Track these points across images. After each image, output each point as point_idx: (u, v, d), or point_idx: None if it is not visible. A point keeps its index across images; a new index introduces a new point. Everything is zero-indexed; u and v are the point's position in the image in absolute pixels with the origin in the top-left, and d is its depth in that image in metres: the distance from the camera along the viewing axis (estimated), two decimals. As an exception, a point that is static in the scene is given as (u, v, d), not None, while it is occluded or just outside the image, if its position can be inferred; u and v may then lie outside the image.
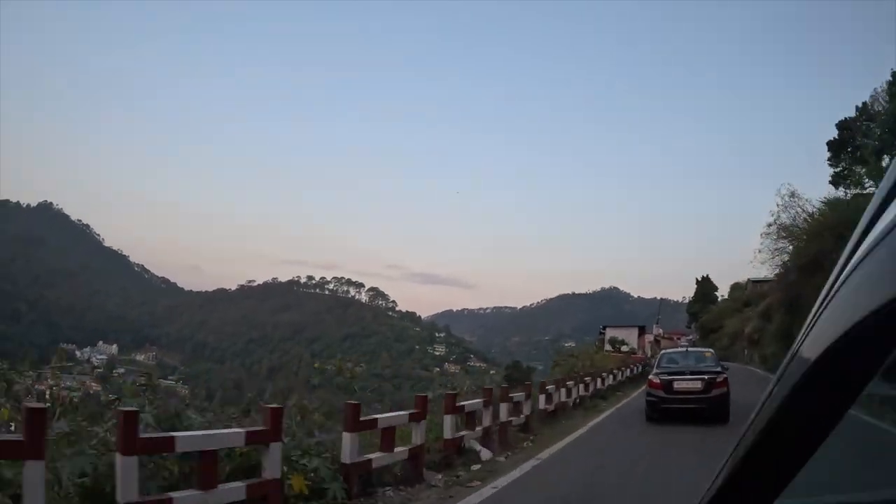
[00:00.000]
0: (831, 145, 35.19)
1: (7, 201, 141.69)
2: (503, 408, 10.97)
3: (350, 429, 6.67)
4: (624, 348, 43.01)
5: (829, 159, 35.34)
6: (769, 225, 30.67)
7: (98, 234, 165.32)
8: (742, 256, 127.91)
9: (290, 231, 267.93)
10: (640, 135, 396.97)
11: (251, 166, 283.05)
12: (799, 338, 0.68)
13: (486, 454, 9.53)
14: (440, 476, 8.04)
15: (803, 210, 29.09)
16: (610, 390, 22.13)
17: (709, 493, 0.89)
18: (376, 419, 7.37)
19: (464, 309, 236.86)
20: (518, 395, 12.02)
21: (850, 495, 1.30)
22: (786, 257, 30.23)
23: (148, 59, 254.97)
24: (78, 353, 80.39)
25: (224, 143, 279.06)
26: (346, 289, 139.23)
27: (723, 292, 66.72)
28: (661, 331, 56.34)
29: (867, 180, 31.87)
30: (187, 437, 5.18)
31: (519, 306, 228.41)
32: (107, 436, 5.33)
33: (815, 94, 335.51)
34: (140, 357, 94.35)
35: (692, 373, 13.20)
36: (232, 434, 5.61)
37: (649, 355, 39.32)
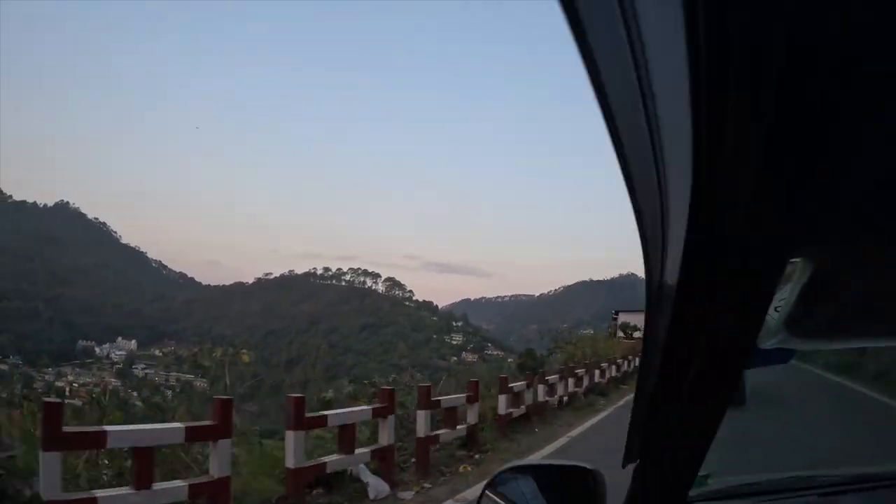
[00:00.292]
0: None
1: (24, 202, 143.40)
2: (421, 417, 7.89)
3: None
4: (636, 334, 41.45)
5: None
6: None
7: (115, 232, 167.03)
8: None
9: (306, 223, 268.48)
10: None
11: (268, 161, 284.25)
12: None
13: (376, 489, 6.72)
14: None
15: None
16: (612, 384, 19.42)
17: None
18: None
19: (481, 297, 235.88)
20: (453, 400, 9.10)
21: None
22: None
23: (164, 55, 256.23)
24: (97, 350, 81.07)
25: (241, 139, 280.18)
26: (362, 279, 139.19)
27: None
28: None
29: None
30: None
31: (537, 294, 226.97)
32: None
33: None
34: (158, 352, 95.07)
35: None
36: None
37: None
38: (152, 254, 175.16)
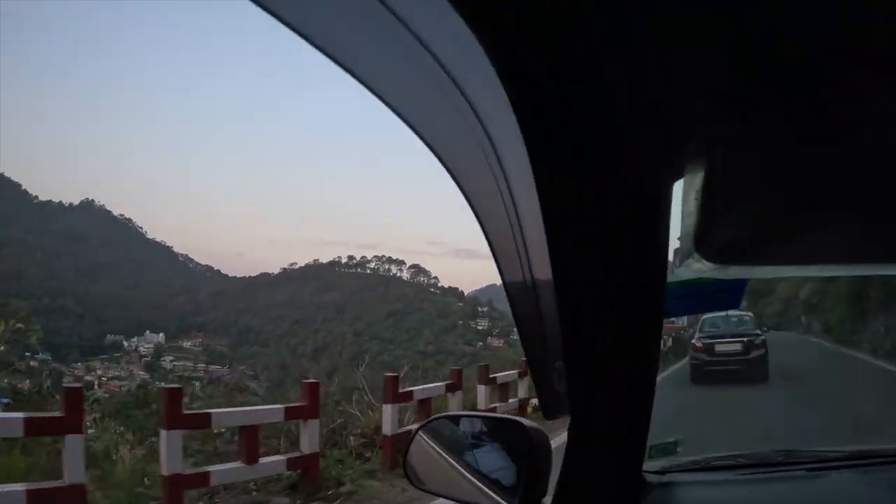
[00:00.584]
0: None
1: (49, 201, 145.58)
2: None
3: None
4: (667, 315, 39.33)
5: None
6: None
7: (140, 227, 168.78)
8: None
9: (330, 212, 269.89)
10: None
11: (290, 148, 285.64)
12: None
13: None
14: None
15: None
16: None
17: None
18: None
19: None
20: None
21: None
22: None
23: (182, 50, 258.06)
24: (125, 343, 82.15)
25: (264, 130, 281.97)
26: (387, 267, 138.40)
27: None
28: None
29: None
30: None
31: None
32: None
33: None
34: (186, 344, 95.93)
35: (732, 336, 13.84)
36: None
37: (686, 324, 36.02)
38: (178, 248, 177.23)
